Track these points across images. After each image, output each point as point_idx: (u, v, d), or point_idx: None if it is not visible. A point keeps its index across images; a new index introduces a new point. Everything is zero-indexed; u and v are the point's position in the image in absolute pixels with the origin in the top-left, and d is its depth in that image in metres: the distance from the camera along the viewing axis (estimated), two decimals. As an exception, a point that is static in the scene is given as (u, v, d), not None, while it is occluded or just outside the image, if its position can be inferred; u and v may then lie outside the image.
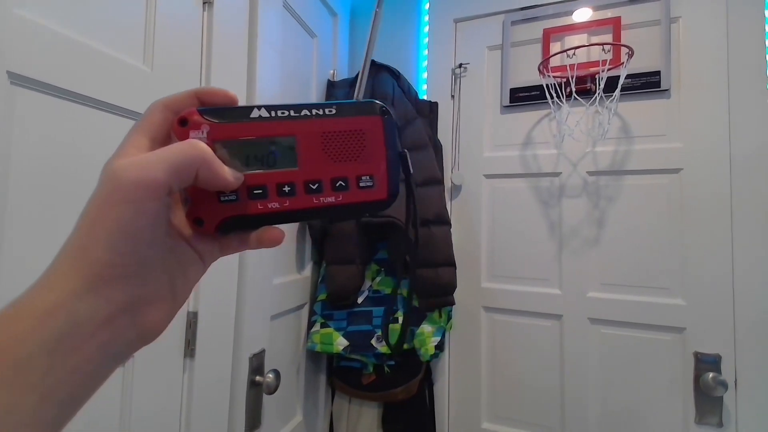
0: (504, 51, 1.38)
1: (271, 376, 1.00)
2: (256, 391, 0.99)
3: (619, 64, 1.18)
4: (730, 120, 1.13)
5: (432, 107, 1.42)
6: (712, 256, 1.12)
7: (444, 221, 1.27)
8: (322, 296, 1.26)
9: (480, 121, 1.41)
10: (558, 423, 1.25)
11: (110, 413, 0.68)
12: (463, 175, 1.41)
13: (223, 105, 0.27)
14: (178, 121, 0.25)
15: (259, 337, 1.01)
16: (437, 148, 1.39)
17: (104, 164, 0.22)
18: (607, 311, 1.21)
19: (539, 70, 1.26)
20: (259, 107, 0.26)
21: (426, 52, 1.48)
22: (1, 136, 0.52)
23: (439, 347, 1.24)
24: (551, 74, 1.25)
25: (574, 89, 1.19)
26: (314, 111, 0.27)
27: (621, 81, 1.15)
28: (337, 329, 1.22)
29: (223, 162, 0.25)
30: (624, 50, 1.16)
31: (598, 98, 1.18)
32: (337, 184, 0.27)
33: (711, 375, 1.07)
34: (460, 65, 1.43)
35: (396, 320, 1.20)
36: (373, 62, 1.33)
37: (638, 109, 1.22)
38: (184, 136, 0.25)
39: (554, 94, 1.24)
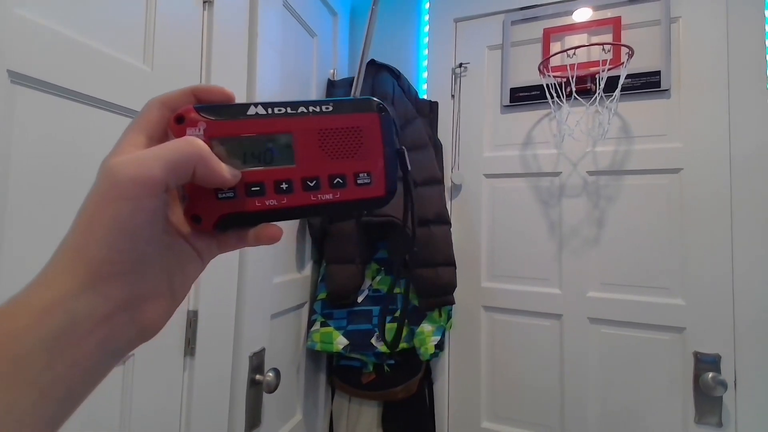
0: (504, 51, 1.38)
1: (271, 374, 1.00)
2: (256, 389, 0.99)
3: (619, 64, 1.18)
4: (730, 120, 1.13)
5: (432, 107, 1.42)
6: (712, 256, 1.12)
7: (444, 221, 1.27)
8: (322, 295, 1.26)
9: (480, 121, 1.41)
10: (558, 422, 1.25)
11: (111, 412, 0.68)
12: (463, 174, 1.41)
13: (219, 102, 0.27)
14: (175, 118, 0.25)
15: (259, 335, 1.01)
16: (437, 147, 1.39)
17: (101, 162, 0.22)
18: (606, 311, 1.21)
19: (539, 69, 1.27)
20: (255, 105, 0.26)
21: (426, 51, 1.48)
22: (2, 134, 0.53)
23: (439, 346, 1.24)
24: (551, 74, 1.25)
25: (574, 89, 1.19)
26: (311, 108, 0.27)
27: (621, 81, 1.16)
28: (337, 328, 1.22)
29: (221, 159, 0.25)
30: (624, 50, 1.16)
31: (598, 98, 1.18)
32: (335, 182, 0.27)
33: (710, 375, 1.07)
34: (461, 65, 1.43)
35: (394, 319, 1.20)
36: (373, 61, 1.33)
37: (638, 109, 1.22)
38: (180, 134, 0.25)
39: (554, 94, 1.24)
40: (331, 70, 1.41)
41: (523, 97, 1.35)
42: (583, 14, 1.28)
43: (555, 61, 1.26)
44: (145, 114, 0.25)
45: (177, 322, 0.80)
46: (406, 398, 1.26)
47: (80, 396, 0.21)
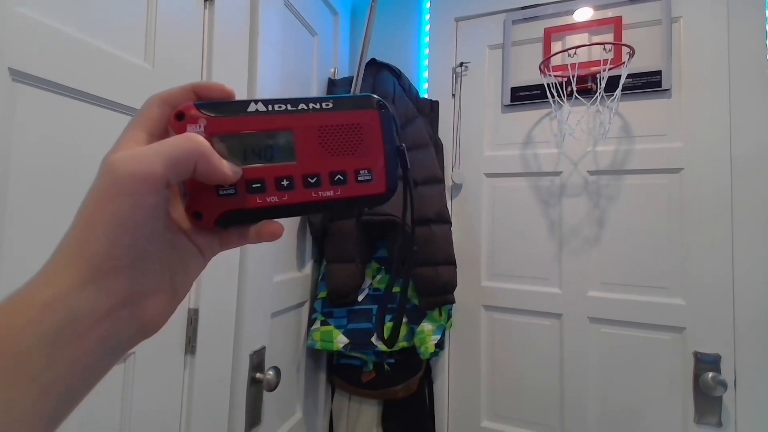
0: (505, 50, 1.38)
1: (271, 373, 1.00)
2: (257, 388, 0.99)
3: (620, 64, 1.18)
4: (730, 120, 1.13)
5: (433, 106, 1.42)
6: (712, 256, 1.12)
7: (444, 220, 1.27)
8: (322, 294, 1.26)
9: (481, 120, 1.41)
10: (557, 422, 1.25)
11: (111, 409, 0.69)
12: (463, 173, 1.41)
13: (220, 99, 0.27)
14: (175, 115, 0.25)
15: (259, 334, 1.02)
16: (438, 146, 1.39)
17: (102, 158, 0.22)
18: (606, 310, 1.21)
19: (540, 69, 1.26)
20: (256, 101, 0.26)
21: (427, 50, 1.48)
22: (2, 132, 0.53)
23: (439, 345, 1.24)
24: (552, 73, 1.25)
25: (575, 88, 1.19)
26: (311, 105, 0.27)
27: (622, 80, 1.15)
28: (338, 327, 1.22)
29: (221, 156, 0.25)
30: (625, 50, 1.16)
31: (599, 98, 1.18)
32: (336, 178, 0.27)
33: (710, 375, 1.07)
34: (461, 64, 1.43)
35: (392, 318, 1.20)
36: (374, 60, 1.33)
37: (639, 109, 1.22)
38: (181, 130, 0.25)
39: (555, 94, 1.24)
40: (332, 69, 1.41)
41: (524, 96, 1.35)
42: (584, 14, 1.28)
43: (556, 61, 1.26)
44: (146, 111, 0.25)
45: (178, 320, 0.81)
46: (406, 397, 1.26)
47: (80, 393, 0.21)
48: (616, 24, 1.24)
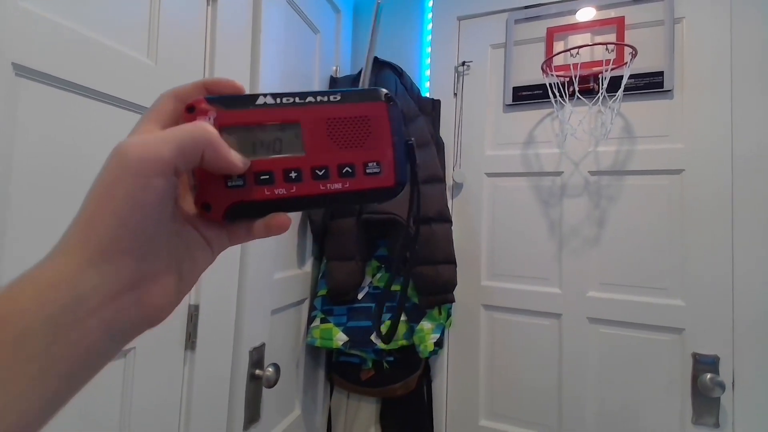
0: (507, 49, 1.38)
1: (270, 369, 1.00)
2: (256, 384, 1.00)
3: (623, 64, 1.18)
4: (732, 121, 1.13)
5: (434, 105, 1.42)
6: (712, 258, 1.12)
7: (445, 219, 1.27)
8: (322, 292, 1.26)
9: (482, 120, 1.41)
10: (555, 421, 1.25)
11: (111, 404, 0.69)
12: (464, 173, 1.41)
13: (230, 94, 0.27)
14: (186, 108, 0.26)
15: (259, 331, 1.02)
16: (439, 145, 1.39)
17: (112, 149, 0.23)
18: (606, 311, 1.22)
19: (542, 68, 1.26)
20: (264, 95, 0.27)
21: (429, 49, 1.48)
22: (6, 126, 0.53)
23: (439, 344, 1.24)
24: (554, 73, 1.24)
25: (577, 88, 1.19)
26: (319, 98, 0.27)
27: (624, 81, 1.15)
28: (337, 325, 1.22)
29: (230, 147, 0.25)
30: (627, 50, 1.16)
31: (600, 98, 1.18)
32: (344, 171, 0.27)
33: (709, 376, 1.08)
34: (463, 63, 1.43)
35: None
36: (375, 59, 1.33)
37: (641, 110, 1.22)
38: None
39: (557, 94, 1.23)
40: (334, 67, 1.41)
41: (526, 96, 1.35)
42: (586, 14, 1.28)
43: (558, 61, 1.26)
44: (158, 105, 0.26)
45: (178, 316, 0.81)
46: (405, 395, 1.26)
47: (83, 377, 0.21)
48: (619, 24, 1.24)
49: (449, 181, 1.41)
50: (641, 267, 1.19)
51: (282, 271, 1.14)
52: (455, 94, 1.44)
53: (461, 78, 1.44)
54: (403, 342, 1.24)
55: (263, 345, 1.03)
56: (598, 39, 1.26)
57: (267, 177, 0.26)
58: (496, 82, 1.40)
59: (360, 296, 1.27)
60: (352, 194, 0.28)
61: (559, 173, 1.31)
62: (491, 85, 1.41)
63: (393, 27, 1.51)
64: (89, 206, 0.22)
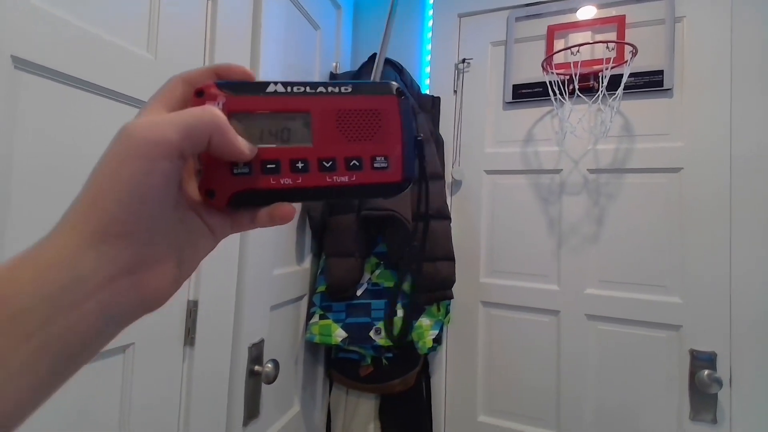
0: (507, 47, 1.37)
1: (270, 365, 1.00)
2: (255, 380, 1.00)
3: (623, 63, 1.18)
4: (731, 120, 1.13)
5: (434, 102, 1.42)
6: (710, 255, 1.13)
7: (444, 216, 1.27)
8: (321, 288, 1.26)
9: (482, 117, 1.41)
10: (554, 417, 1.26)
11: (111, 400, 0.69)
12: (463, 170, 1.41)
13: (240, 81, 0.27)
14: (195, 92, 0.25)
15: (258, 327, 1.02)
16: (439, 143, 1.39)
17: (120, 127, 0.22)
18: (604, 308, 1.22)
19: (542, 66, 1.26)
20: (275, 83, 0.27)
21: (429, 46, 1.48)
22: (5, 120, 0.53)
23: (437, 340, 1.25)
24: (554, 71, 1.24)
25: (577, 86, 1.19)
26: (330, 88, 0.27)
27: (624, 79, 1.15)
28: (336, 321, 1.22)
29: (238, 134, 0.25)
30: (628, 48, 1.16)
31: (600, 96, 1.18)
32: (351, 164, 0.27)
33: (706, 372, 1.08)
34: (464, 60, 1.42)
35: (395, 313, 1.21)
36: (376, 55, 1.33)
37: (640, 108, 1.23)
38: None
39: (557, 91, 1.24)
40: (334, 63, 1.41)
41: (526, 93, 1.35)
42: (587, 12, 1.28)
43: (558, 59, 1.26)
44: (168, 89, 0.25)
45: (177, 311, 0.81)
46: (404, 391, 1.26)
47: (79, 358, 0.21)
48: (620, 23, 1.24)
49: (448, 179, 1.41)
50: (639, 264, 1.20)
51: (281, 267, 1.14)
52: (455, 92, 1.43)
53: (461, 75, 1.44)
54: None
55: (262, 341, 1.03)
56: (599, 37, 1.26)
57: (273, 166, 0.26)
58: (496, 79, 1.40)
59: (359, 292, 1.27)
60: (359, 188, 0.27)
61: (558, 171, 1.31)
62: (491, 82, 1.41)
63: (393, 23, 1.50)
64: (92, 186, 0.21)
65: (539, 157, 1.33)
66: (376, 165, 0.27)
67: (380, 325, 1.21)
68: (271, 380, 1.00)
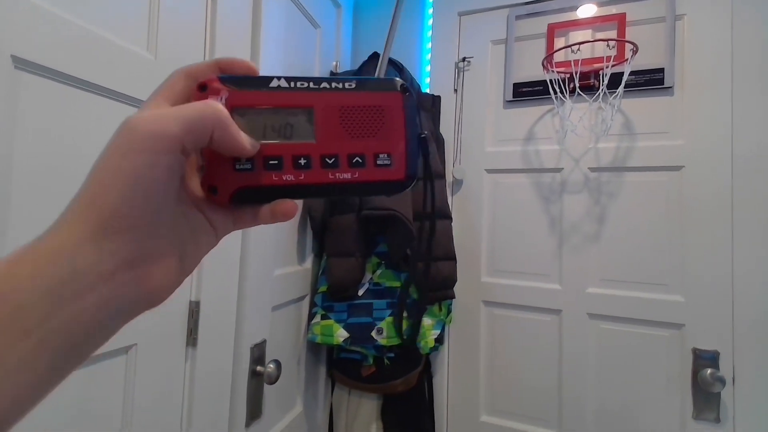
0: (508, 45, 1.37)
1: (272, 366, 1.00)
2: (257, 381, 1.00)
3: (623, 61, 1.18)
4: (732, 118, 1.13)
5: (434, 101, 1.41)
6: (711, 254, 1.13)
7: (445, 215, 1.27)
8: (322, 288, 1.26)
9: (482, 116, 1.41)
10: (556, 417, 1.26)
11: (113, 400, 0.69)
12: (464, 169, 1.41)
13: (243, 75, 0.27)
14: (198, 86, 0.25)
15: (260, 327, 1.02)
16: (439, 142, 1.39)
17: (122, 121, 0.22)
18: (606, 307, 1.22)
19: (543, 65, 1.26)
20: (278, 78, 0.26)
21: (429, 45, 1.47)
22: (5, 119, 0.52)
23: (439, 340, 1.24)
24: (555, 69, 1.24)
25: (577, 85, 1.19)
26: (334, 84, 0.27)
27: (625, 77, 1.15)
28: (338, 321, 1.22)
29: (240, 129, 0.25)
30: (628, 46, 1.16)
31: (601, 94, 1.18)
32: (354, 161, 0.27)
33: (709, 371, 1.08)
34: (464, 59, 1.42)
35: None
36: (376, 54, 1.33)
37: (641, 106, 1.22)
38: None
39: (557, 90, 1.23)
40: (334, 63, 1.40)
41: (526, 92, 1.34)
42: (587, 10, 1.28)
43: (559, 57, 1.26)
44: (170, 83, 0.25)
45: (179, 312, 0.80)
46: (406, 391, 1.26)
47: (79, 353, 0.21)
48: (620, 21, 1.23)
49: (449, 178, 1.41)
50: (641, 263, 1.20)
51: (282, 267, 1.14)
52: (455, 90, 1.43)
53: (461, 74, 1.43)
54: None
55: (264, 341, 1.03)
56: (599, 35, 1.26)
57: (276, 162, 0.26)
58: (497, 78, 1.40)
59: (360, 292, 1.26)
60: (361, 185, 0.27)
61: (559, 170, 1.31)
62: (492, 81, 1.40)
63: (398, 22, 1.50)
64: (93, 180, 0.21)
65: (540, 155, 1.33)
66: (379, 162, 0.27)
67: (382, 325, 1.20)
68: (273, 380, 1.00)
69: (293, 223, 1.22)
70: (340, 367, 1.32)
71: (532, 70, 1.33)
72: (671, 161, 1.18)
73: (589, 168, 1.27)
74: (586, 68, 1.22)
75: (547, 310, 1.29)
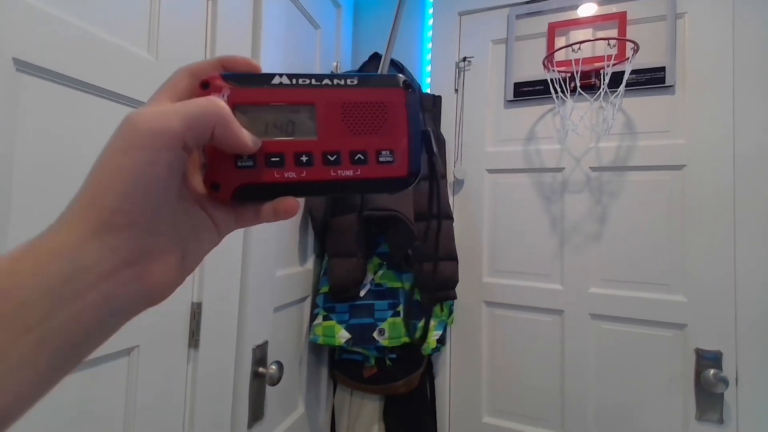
0: (508, 45, 1.37)
1: (273, 367, 1.00)
2: (259, 382, 0.99)
3: (624, 60, 1.17)
4: (734, 117, 1.12)
5: (435, 101, 1.41)
6: (714, 253, 1.12)
7: (447, 215, 1.27)
8: (324, 289, 1.26)
9: (483, 116, 1.40)
10: (558, 417, 1.25)
11: (115, 401, 0.69)
12: (465, 169, 1.40)
13: (246, 72, 0.27)
14: (201, 84, 0.25)
15: (262, 328, 1.01)
16: (440, 142, 1.39)
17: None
18: (608, 307, 1.22)
19: (544, 64, 1.26)
20: (280, 75, 0.26)
21: (430, 45, 1.47)
22: (6, 122, 0.52)
23: (441, 341, 1.24)
24: (556, 69, 1.24)
25: (578, 84, 1.19)
26: (336, 81, 0.27)
27: (626, 76, 1.15)
28: (339, 322, 1.22)
29: (242, 126, 0.25)
30: (629, 45, 1.16)
31: (602, 93, 1.18)
32: (356, 158, 0.27)
33: (712, 371, 1.08)
34: (464, 59, 1.42)
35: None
36: (376, 54, 1.33)
37: (642, 105, 1.22)
38: None
39: (558, 89, 1.23)
40: (335, 63, 1.40)
41: (527, 92, 1.34)
42: (588, 9, 1.28)
43: (560, 56, 1.26)
44: (174, 81, 0.25)
45: (181, 314, 0.80)
46: (408, 392, 1.26)
47: (80, 351, 0.21)
48: (621, 19, 1.23)
49: (450, 178, 1.41)
50: (643, 263, 1.19)
51: (284, 268, 1.14)
52: (456, 90, 1.43)
53: (462, 74, 1.43)
54: (405, 339, 1.23)
55: (266, 342, 1.03)
56: (600, 34, 1.25)
57: (277, 159, 0.26)
58: (497, 77, 1.40)
59: (362, 293, 1.26)
60: (363, 182, 0.27)
61: (560, 169, 1.30)
62: (492, 80, 1.40)
63: (400, 22, 1.50)
64: (95, 177, 0.21)
65: (541, 155, 1.32)
66: (381, 159, 0.27)
67: (384, 325, 1.20)
68: (275, 382, 1.00)
69: (294, 223, 1.22)
70: (341, 368, 1.32)
71: (532, 70, 1.33)
72: (673, 160, 1.18)
73: (590, 167, 1.27)
74: (587, 67, 1.22)
75: (549, 310, 1.28)
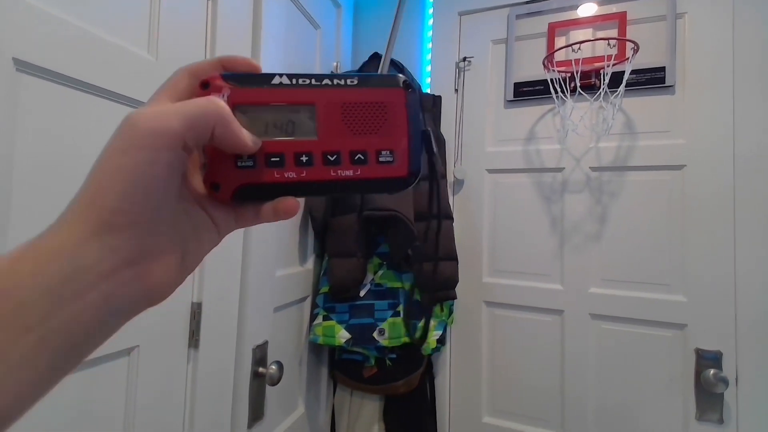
0: (508, 45, 1.37)
1: (273, 367, 1.00)
2: (259, 382, 0.99)
3: (624, 60, 1.17)
4: (734, 117, 1.12)
5: (435, 101, 1.41)
6: (714, 253, 1.12)
7: (447, 215, 1.27)
8: (324, 289, 1.26)
9: (483, 116, 1.40)
10: (558, 417, 1.25)
11: (115, 401, 0.69)
12: (465, 169, 1.40)
13: (246, 72, 0.27)
14: (201, 84, 0.25)
15: (262, 328, 1.01)
16: (440, 142, 1.39)
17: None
18: (608, 307, 1.22)
19: (544, 64, 1.26)
20: (280, 75, 0.26)
21: (430, 45, 1.47)
22: (6, 122, 0.52)
23: (441, 341, 1.24)
24: (556, 69, 1.24)
25: (578, 84, 1.19)
26: (336, 81, 0.27)
27: (626, 76, 1.15)
28: (339, 322, 1.22)
29: (242, 126, 0.25)
30: (629, 45, 1.16)
31: (602, 93, 1.18)
32: (356, 158, 0.27)
33: (712, 371, 1.08)
34: (464, 59, 1.42)
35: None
36: (376, 54, 1.33)
37: (642, 105, 1.22)
38: None
39: (558, 89, 1.23)
40: (335, 63, 1.40)
41: (527, 92, 1.34)
42: (588, 9, 1.28)
43: (560, 56, 1.26)
44: (174, 81, 0.25)
45: (181, 314, 0.80)
46: (408, 392, 1.26)
47: (80, 351, 0.21)
48: (621, 19, 1.23)
49: (450, 178, 1.41)
50: (643, 263, 1.19)
51: (284, 268, 1.14)
52: (456, 90, 1.43)
53: (462, 74, 1.43)
54: (405, 339, 1.23)
55: (266, 342, 1.03)
56: (600, 34, 1.25)
57: (277, 159, 0.26)
58: (497, 77, 1.40)
59: (362, 293, 1.26)
60: (363, 182, 0.27)
61: (560, 169, 1.30)
62: (492, 80, 1.40)
63: (401, 22, 1.50)
64: (95, 177, 0.21)
65: (541, 155, 1.32)
66: (381, 159, 0.27)
67: (384, 325, 1.20)
68: (275, 382, 1.00)
69: (294, 223, 1.22)
70: (341, 368, 1.32)
71: (532, 70, 1.33)
72: (673, 160, 1.18)
73: (590, 167, 1.27)
74: (587, 67, 1.22)
75: (549, 310, 1.28)
